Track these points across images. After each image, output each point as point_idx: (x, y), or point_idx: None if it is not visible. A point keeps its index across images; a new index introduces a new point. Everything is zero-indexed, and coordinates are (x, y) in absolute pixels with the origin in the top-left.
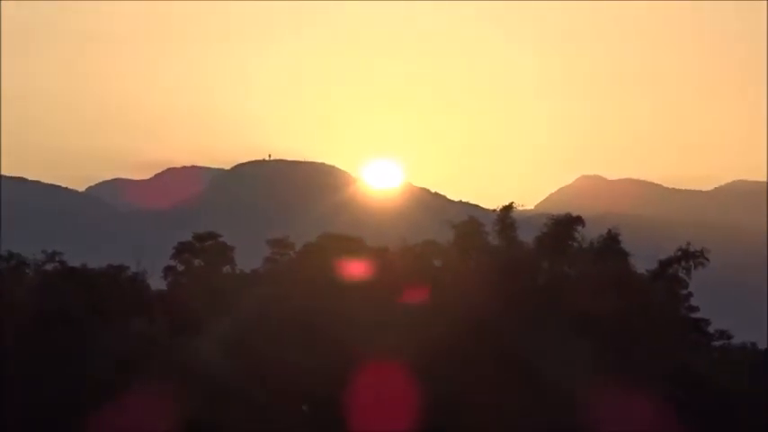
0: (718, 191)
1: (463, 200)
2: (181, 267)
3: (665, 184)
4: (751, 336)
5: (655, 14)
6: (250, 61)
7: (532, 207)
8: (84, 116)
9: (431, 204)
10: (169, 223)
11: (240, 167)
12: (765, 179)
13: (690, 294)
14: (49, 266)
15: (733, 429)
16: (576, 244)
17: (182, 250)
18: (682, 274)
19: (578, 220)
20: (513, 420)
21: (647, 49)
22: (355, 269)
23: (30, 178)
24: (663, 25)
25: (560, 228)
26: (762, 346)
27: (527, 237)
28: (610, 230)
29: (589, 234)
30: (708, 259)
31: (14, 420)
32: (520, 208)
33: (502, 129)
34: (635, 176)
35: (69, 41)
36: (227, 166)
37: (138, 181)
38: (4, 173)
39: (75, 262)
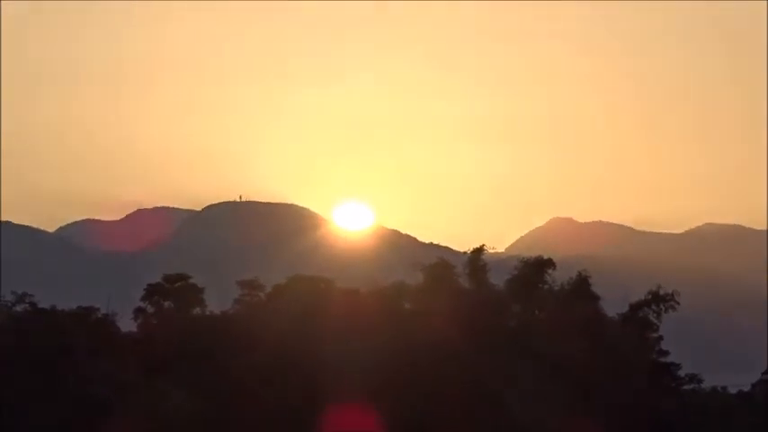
0: (688, 233)
1: (434, 242)
2: (151, 309)
3: (636, 227)
4: (723, 375)
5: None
6: (221, 102)
7: (503, 249)
8: (55, 157)
9: (401, 246)
10: (139, 264)
11: (211, 209)
12: (735, 222)
13: (660, 338)
14: (19, 308)
15: None
16: (546, 287)
17: (152, 292)
18: (652, 318)
19: (549, 263)
20: None
21: (617, 93)
22: (326, 311)
23: None
24: (630, 69)
25: (531, 270)
26: (735, 384)
27: (499, 279)
28: (580, 273)
29: (561, 276)
30: (678, 302)
31: None
32: (491, 251)
33: (474, 171)
34: (606, 219)
35: (37, 82)
36: (198, 208)
37: (108, 222)
38: None
39: (45, 303)
